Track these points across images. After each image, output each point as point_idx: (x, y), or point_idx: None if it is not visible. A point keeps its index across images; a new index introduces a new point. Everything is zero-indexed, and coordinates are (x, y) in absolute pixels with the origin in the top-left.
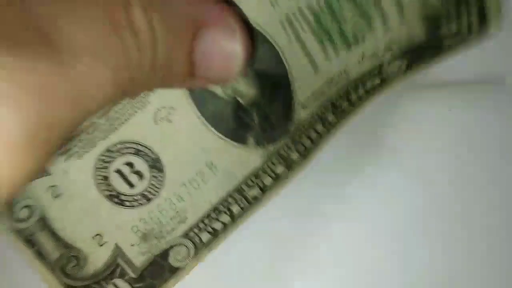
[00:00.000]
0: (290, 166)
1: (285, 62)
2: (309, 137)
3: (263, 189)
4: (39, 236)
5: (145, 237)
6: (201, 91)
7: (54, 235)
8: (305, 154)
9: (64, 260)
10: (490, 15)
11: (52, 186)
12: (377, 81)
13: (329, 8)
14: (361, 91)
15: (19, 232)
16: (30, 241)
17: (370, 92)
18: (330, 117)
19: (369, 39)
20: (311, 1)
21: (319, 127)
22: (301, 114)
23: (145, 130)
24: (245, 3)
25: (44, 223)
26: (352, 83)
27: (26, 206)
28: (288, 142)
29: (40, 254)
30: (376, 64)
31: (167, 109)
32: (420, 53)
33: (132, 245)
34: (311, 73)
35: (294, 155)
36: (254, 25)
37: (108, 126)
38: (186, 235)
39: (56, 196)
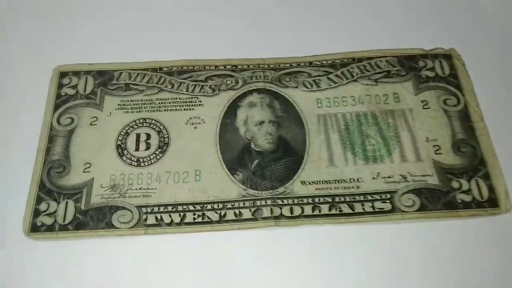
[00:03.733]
0: (256, 218)
1: (307, 143)
2: (291, 210)
3: (220, 220)
4: None
5: (114, 187)
6: (230, 122)
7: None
8: (277, 219)
9: (56, 165)
10: (499, 193)
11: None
12: (388, 206)
13: (358, 121)
14: (367, 205)
15: None
16: None
17: (377, 212)
18: (325, 209)
19: (386, 162)
20: (346, 113)
21: (308, 209)
22: (296, 187)
23: (176, 121)
24: (294, 94)
25: None
26: (361, 195)
27: None
28: (268, 199)
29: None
30: (390, 189)
31: (200, 119)
32: (435, 199)
33: (102, 186)
34: (324, 165)
35: (265, 213)
36: (296, 107)
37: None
38: (140, 207)
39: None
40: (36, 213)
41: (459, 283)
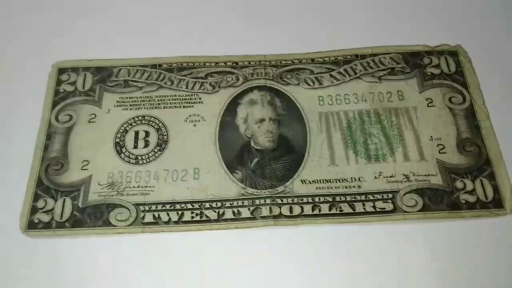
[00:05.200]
0: (254, 217)
1: (308, 141)
2: (290, 210)
3: (218, 218)
4: None
5: (111, 185)
6: (230, 120)
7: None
8: (276, 218)
9: (54, 163)
10: (504, 194)
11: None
12: (390, 206)
13: (360, 119)
14: (368, 205)
15: None
16: None
17: (379, 212)
18: (325, 208)
19: (389, 161)
20: (348, 111)
21: (307, 209)
22: (296, 186)
23: (175, 119)
24: (296, 92)
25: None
26: (363, 194)
27: None
28: (267, 198)
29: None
30: (392, 188)
31: (199, 117)
32: (438, 199)
33: (99, 184)
34: (325, 163)
35: (264, 212)
36: (298, 105)
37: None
38: (137, 205)
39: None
40: (34, 210)
41: (462, 285)
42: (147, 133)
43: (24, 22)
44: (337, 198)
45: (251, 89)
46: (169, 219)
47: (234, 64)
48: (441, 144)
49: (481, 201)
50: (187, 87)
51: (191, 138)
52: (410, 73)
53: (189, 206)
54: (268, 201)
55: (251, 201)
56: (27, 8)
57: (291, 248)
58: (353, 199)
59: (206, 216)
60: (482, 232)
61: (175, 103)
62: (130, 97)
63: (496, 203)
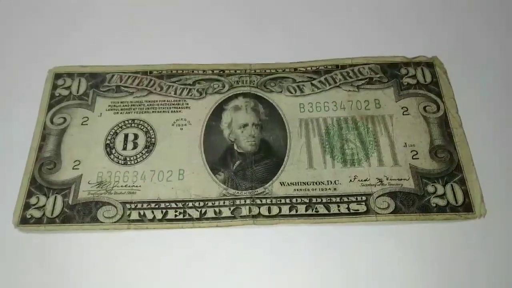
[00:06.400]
0: (234, 216)
1: (288, 146)
2: (269, 210)
3: (200, 217)
4: None
5: (100, 184)
6: (215, 124)
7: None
8: (255, 218)
9: (47, 162)
10: (474, 198)
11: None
12: (363, 208)
13: (338, 126)
14: (343, 207)
15: None
16: None
17: (352, 213)
18: (302, 209)
19: (364, 166)
20: (327, 118)
21: (285, 209)
22: (275, 187)
23: (163, 123)
24: (278, 99)
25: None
26: (338, 197)
27: None
28: (248, 198)
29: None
30: (366, 191)
31: (186, 121)
32: (410, 202)
33: (89, 183)
34: (304, 167)
35: (244, 211)
36: (280, 111)
37: (147, 107)
38: (124, 203)
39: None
40: (26, 206)
41: (431, 284)
42: (136, 136)
43: (23, 30)
44: (314, 200)
45: (236, 96)
46: (154, 217)
47: (221, 72)
48: (415, 150)
49: (451, 205)
50: (175, 93)
51: (177, 141)
52: (387, 82)
53: (173, 205)
54: (248, 201)
55: (231, 201)
56: (26, 16)
57: (268, 246)
58: (329, 201)
59: (189, 215)
60: (451, 235)
61: (163, 108)
62: (121, 102)
63: (466, 207)
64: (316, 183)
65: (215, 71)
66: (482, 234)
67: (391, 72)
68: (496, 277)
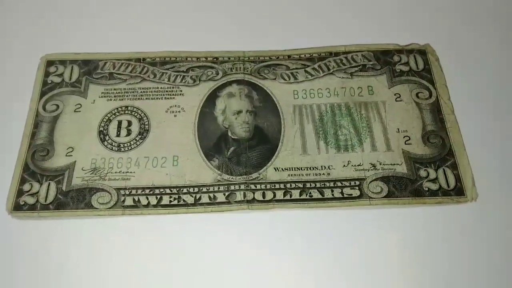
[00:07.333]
0: (229, 202)
1: (282, 132)
2: (263, 195)
3: (195, 203)
4: None
5: (94, 170)
6: (209, 111)
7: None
8: (250, 203)
9: (40, 149)
10: (466, 182)
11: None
12: (357, 193)
13: (332, 112)
14: (337, 191)
15: None
16: None
17: (346, 198)
18: (296, 194)
19: (357, 151)
20: (321, 104)
21: (279, 194)
22: (269, 173)
23: (157, 109)
24: (272, 86)
25: None
26: (331, 181)
27: None
28: (242, 184)
29: None
30: (359, 176)
31: (180, 108)
32: (402, 186)
33: (83, 169)
34: (298, 153)
35: (239, 197)
36: (274, 98)
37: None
38: (118, 189)
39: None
40: (20, 193)
41: (424, 267)
42: (129, 123)
43: (14, 16)
44: (307, 185)
45: (230, 83)
46: (148, 202)
47: (215, 59)
48: (407, 136)
49: (443, 189)
50: (169, 80)
51: (171, 128)
52: (380, 69)
53: (168, 191)
54: (242, 187)
55: (226, 186)
56: (18, 3)
57: (263, 231)
58: (323, 186)
59: (184, 201)
60: (444, 218)
61: (157, 95)
62: (114, 89)
63: (457, 191)
64: (310, 168)
65: (208, 58)
66: (473, 217)
67: (384, 59)
68: (487, 259)
